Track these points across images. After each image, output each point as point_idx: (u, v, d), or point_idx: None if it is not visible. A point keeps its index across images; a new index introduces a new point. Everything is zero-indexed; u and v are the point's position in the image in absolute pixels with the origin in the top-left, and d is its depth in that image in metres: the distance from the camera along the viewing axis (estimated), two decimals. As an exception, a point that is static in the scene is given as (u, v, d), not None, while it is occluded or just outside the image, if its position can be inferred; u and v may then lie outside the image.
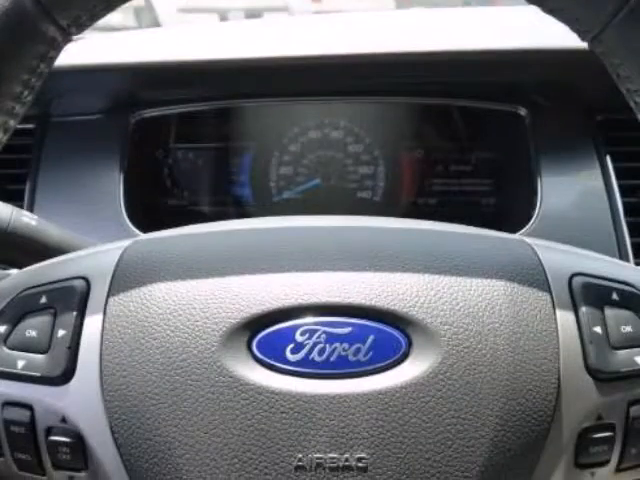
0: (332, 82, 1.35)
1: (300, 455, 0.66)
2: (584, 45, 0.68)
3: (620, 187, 1.22)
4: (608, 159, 1.25)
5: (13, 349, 0.71)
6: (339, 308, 0.69)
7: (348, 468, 0.65)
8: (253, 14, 4.29)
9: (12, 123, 0.69)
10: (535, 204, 1.24)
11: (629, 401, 0.70)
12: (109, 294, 0.71)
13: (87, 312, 0.71)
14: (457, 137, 1.45)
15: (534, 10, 0.70)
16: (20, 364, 0.70)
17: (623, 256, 1.16)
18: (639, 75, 0.65)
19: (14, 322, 0.72)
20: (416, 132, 1.44)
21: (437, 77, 1.34)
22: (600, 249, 0.87)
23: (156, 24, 3.66)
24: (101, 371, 0.69)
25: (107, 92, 1.36)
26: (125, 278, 0.72)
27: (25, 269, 0.81)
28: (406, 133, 1.44)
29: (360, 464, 0.65)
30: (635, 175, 1.22)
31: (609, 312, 0.71)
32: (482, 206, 1.43)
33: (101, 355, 0.69)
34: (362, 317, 0.68)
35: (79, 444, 0.70)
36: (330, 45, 1.28)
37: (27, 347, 0.71)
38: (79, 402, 0.69)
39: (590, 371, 0.69)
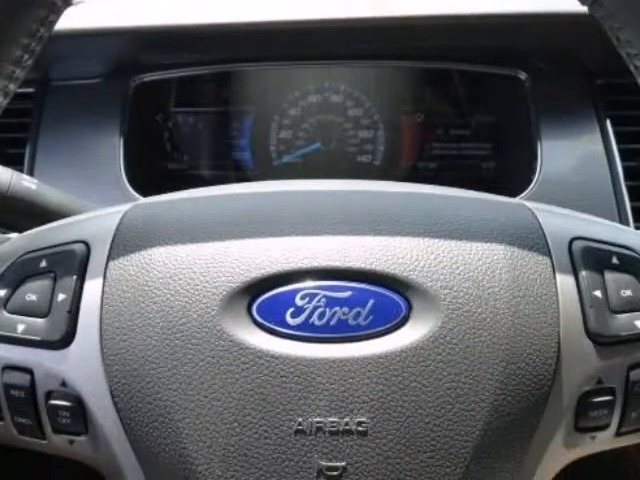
0: (332, 46, 1.33)
1: (300, 419, 0.65)
2: (584, 9, 0.66)
3: (620, 151, 1.21)
4: (608, 123, 1.24)
5: (13, 313, 0.71)
6: (339, 272, 0.68)
7: (348, 432, 0.65)
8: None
9: (12, 87, 0.69)
10: (535, 168, 1.23)
11: (629, 365, 0.70)
12: (109, 258, 0.71)
13: (87, 276, 0.71)
14: (457, 101, 1.44)
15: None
16: (20, 328, 0.70)
17: (623, 220, 1.16)
18: (639, 39, 0.64)
19: (14, 286, 0.72)
20: (416, 96, 1.43)
21: (437, 41, 1.32)
22: (600, 213, 0.87)
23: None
24: (101, 335, 0.68)
25: (107, 56, 1.35)
26: (125, 242, 0.72)
27: (25, 233, 0.81)
28: (406, 97, 1.43)
29: (360, 428, 0.65)
30: (635, 139, 1.21)
31: (609, 276, 0.71)
32: (482, 170, 1.42)
33: (101, 319, 0.69)
34: (362, 281, 0.68)
35: (79, 408, 0.70)
36: (330, 9, 1.26)
37: (27, 311, 0.71)
38: (79, 366, 0.69)
39: (590, 335, 0.69)
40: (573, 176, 1.22)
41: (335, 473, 0.65)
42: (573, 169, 1.22)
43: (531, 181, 1.22)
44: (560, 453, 0.71)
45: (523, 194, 1.21)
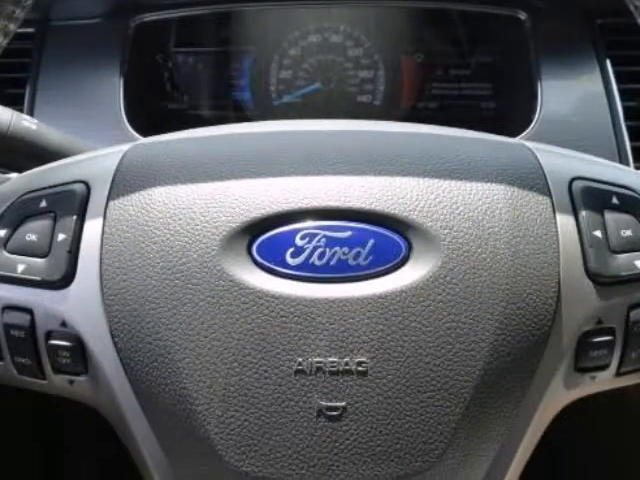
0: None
1: (300, 359, 0.65)
2: None
3: (620, 91, 1.20)
4: (608, 63, 1.22)
5: (13, 253, 0.70)
6: (339, 212, 0.68)
7: (348, 372, 0.65)
8: None
9: (12, 27, 0.68)
10: (535, 108, 1.22)
11: (629, 305, 0.70)
12: (109, 198, 0.70)
13: (87, 216, 0.70)
14: (457, 41, 1.42)
15: None
16: (20, 268, 0.70)
17: (623, 160, 1.15)
18: None
19: (14, 226, 0.71)
20: (416, 36, 1.41)
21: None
22: (600, 153, 0.86)
23: None
24: (101, 275, 0.68)
25: (107, -4, 1.33)
26: (125, 182, 0.71)
27: (25, 173, 0.80)
28: (406, 37, 1.41)
29: (360, 368, 0.65)
30: (635, 79, 1.20)
31: (609, 216, 0.70)
32: (482, 110, 1.41)
33: (101, 259, 0.68)
34: (362, 221, 0.67)
35: (79, 348, 0.69)
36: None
37: (27, 251, 0.70)
38: (79, 306, 0.69)
39: (590, 275, 0.69)
40: (573, 116, 1.21)
41: (335, 413, 0.65)
42: (573, 109, 1.21)
43: (531, 121, 1.21)
44: (560, 393, 0.71)
45: (523, 134, 1.20)
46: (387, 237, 0.67)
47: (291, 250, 0.67)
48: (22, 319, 0.70)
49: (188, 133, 0.79)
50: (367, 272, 0.66)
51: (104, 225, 0.69)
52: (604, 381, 0.72)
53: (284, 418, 0.65)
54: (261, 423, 0.65)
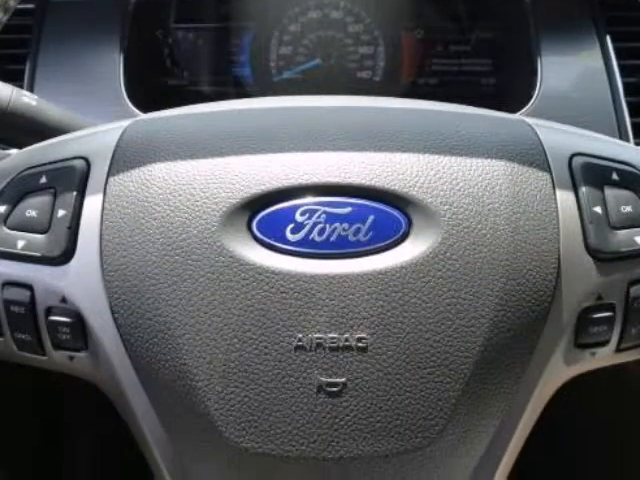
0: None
1: (300, 335, 0.65)
2: None
3: (620, 67, 1.19)
4: (608, 39, 1.22)
5: (13, 229, 0.70)
6: (339, 188, 0.67)
7: (348, 348, 0.65)
8: None
9: (12, 3, 0.67)
10: (535, 84, 1.22)
11: (629, 281, 0.70)
12: (109, 174, 0.70)
13: (87, 192, 0.70)
14: (457, 17, 1.41)
15: None
16: (20, 244, 0.69)
17: (623, 136, 1.14)
18: None
19: (14, 202, 0.71)
20: (416, 12, 1.40)
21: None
22: (600, 129, 0.85)
23: None
24: (101, 251, 0.67)
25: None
26: (125, 158, 0.70)
27: (25, 149, 0.79)
28: (406, 13, 1.40)
29: (360, 344, 0.65)
30: (635, 55, 1.19)
31: (609, 192, 0.70)
32: (482, 86, 1.40)
33: (101, 235, 0.68)
34: (362, 197, 0.67)
35: (79, 324, 0.69)
36: None
37: (27, 227, 0.70)
38: (79, 282, 0.68)
39: (590, 251, 0.68)
40: (573, 92, 1.20)
41: (335, 389, 0.65)
42: (573, 85, 1.20)
43: (531, 97, 1.21)
44: (560, 369, 0.71)
45: (523, 110, 1.19)
46: (387, 213, 0.67)
47: (291, 226, 0.66)
48: (22, 295, 0.70)
49: (188, 109, 0.79)
50: (367, 248, 0.66)
51: (104, 201, 0.69)
52: (604, 357, 0.72)
53: (284, 394, 0.65)
54: (261, 399, 0.65)
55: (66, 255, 0.69)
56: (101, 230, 0.68)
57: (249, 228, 0.67)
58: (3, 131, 0.89)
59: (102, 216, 0.68)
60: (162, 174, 0.68)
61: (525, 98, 1.21)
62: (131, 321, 0.66)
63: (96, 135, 0.77)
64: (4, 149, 0.96)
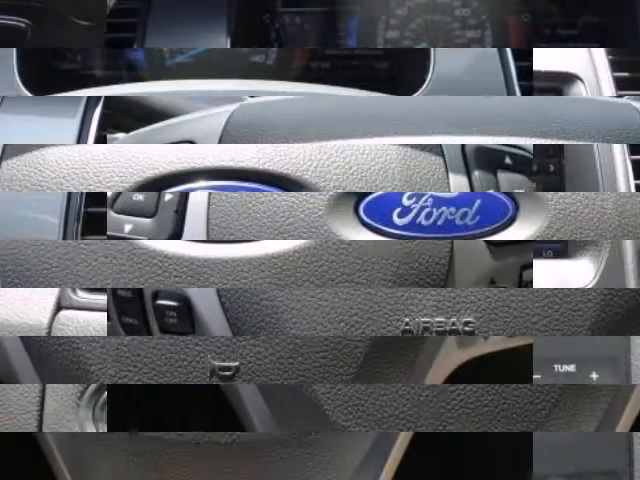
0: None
1: (407, 319, 0.64)
2: None
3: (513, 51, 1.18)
4: None
5: (120, 213, 0.70)
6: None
7: (455, 332, 0.65)
8: None
9: None
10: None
11: (522, 265, 0.68)
12: None
13: None
14: (564, 0, 1.40)
15: None
16: (127, 228, 0.70)
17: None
18: None
19: None
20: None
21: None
22: None
23: None
24: (208, 235, 0.67)
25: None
26: (232, 141, 0.70)
27: (132, 133, 0.80)
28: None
29: (467, 328, 0.65)
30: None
31: (502, 176, 0.68)
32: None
33: (208, 219, 0.68)
34: None
35: (186, 308, 0.69)
36: None
37: (134, 211, 0.70)
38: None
39: None
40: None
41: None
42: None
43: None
44: (454, 353, 0.70)
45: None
46: (494, 197, 0.67)
47: (398, 210, 0.66)
48: None
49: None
50: (474, 232, 0.66)
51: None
52: (497, 341, 0.70)
53: (177, 378, 0.68)
54: None
55: (173, 238, 0.69)
56: (208, 213, 0.68)
57: (356, 212, 0.66)
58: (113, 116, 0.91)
59: (209, 199, 0.68)
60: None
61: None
62: (238, 305, 0.67)
63: (203, 119, 0.77)
64: (112, 133, 0.97)
